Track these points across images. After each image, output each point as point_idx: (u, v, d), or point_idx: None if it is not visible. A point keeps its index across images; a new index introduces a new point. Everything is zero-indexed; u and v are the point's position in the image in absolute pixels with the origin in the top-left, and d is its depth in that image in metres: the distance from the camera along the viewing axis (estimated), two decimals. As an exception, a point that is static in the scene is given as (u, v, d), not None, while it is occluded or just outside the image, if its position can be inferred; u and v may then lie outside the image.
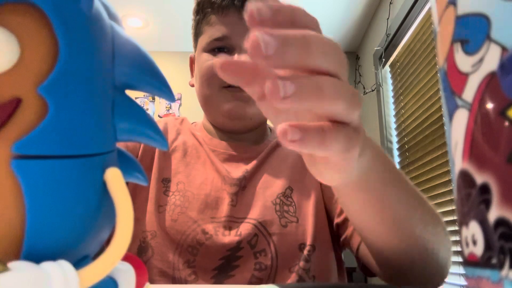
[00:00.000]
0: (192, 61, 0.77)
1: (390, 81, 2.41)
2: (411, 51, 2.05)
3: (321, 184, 0.66)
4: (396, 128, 2.29)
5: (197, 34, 0.72)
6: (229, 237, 0.59)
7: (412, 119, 2.01)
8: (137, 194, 0.64)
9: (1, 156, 0.13)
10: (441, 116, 1.70)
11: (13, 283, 0.11)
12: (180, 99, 2.99)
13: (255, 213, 0.61)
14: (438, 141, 1.72)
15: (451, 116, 0.17)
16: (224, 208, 0.62)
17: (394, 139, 2.30)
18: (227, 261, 0.58)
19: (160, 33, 2.88)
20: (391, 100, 2.38)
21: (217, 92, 0.66)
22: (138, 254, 0.60)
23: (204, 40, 0.68)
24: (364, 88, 2.75)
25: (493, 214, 0.14)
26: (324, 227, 0.64)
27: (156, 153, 0.68)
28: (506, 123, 0.13)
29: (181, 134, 0.73)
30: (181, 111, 3.02)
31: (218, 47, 0.67)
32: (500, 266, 0.13)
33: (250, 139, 0.72)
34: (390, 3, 2.21)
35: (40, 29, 0.13)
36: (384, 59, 2.35)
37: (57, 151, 0.14)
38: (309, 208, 0.64)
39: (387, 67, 2.42)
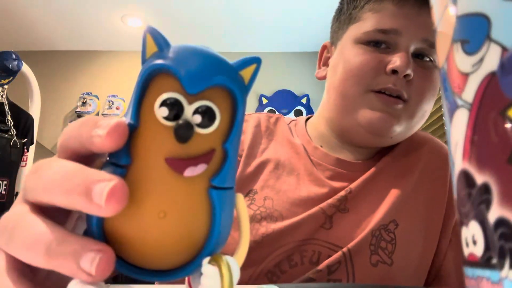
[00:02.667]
0: (324, 49, 0.65)
1: (390, 81, 2.40)
2: (411, 51, 2.05)
3: (443, 229, 0.55)
4: (397, 128, 2.29)
5: (349, 20, 0.58)
6: (315, 266, 0.50)
7: (413, 119, 2.00)
8: None
9: (202, 186, 0.19)
10: (441, 116, 1.70)
11: (212, 273, 0.19)
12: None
13: (349, 240, 0.51)
14: (439, 141, 1.72)
15: (451, 116, 0.17)
16: (316, 230, 0.52)
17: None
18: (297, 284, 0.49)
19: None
20: (392, 100, 2.38)
21: (363, 93, 0.54)
22: None
23: (361, 28, 0.55)
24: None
25: (493, 214, 0.14)
26: (422, 279, 0.54)
27: (242, 160, 0.57)
28: (506, 123, 0.13)
29: (273, 140, 0.61)
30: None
31: (376, 41, 0.54)
32: (500, 267, 0.13)
33: (370, 154, 0.61)
34: (390, 3, 2.21)
35: (228, 105, 0.20)
36: (384, 59, 2.35)
37: (231, 184, 0.20)
38: (413, 254, 0.53)
39: (387, 67, 2.41)
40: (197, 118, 0.19)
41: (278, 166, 0.57)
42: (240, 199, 0.21)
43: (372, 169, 0.57)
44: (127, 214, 0.18)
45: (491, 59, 0.14)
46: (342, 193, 0.55)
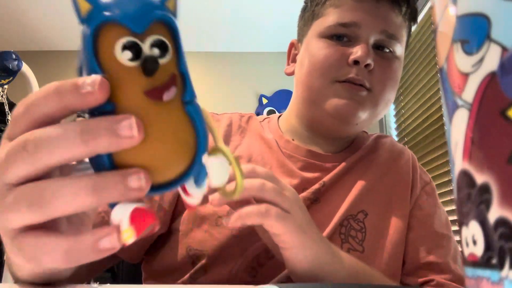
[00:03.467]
0: (292, 46, 0.68)
1: (390, 81, 2.41)
2: (411, 51, 2.05)
3: (411, 218, 0.59)
4: (396, 128, 2.29)
5: (312, 16, 0.62)
6: None
7: (412, 119, 2.01)
8: (182, 207, 0.55)
9: (178, 105, 0.23)
10: (441, 116, 1.70)
11: (219, 162, 0.24)
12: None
13: (321, 230, 0.53)
14: (438, 141, 1.72)
15: (451, 116, 0.17)
16: None
17: (394, 139, 2.31)
18: (278, 280, 0.51)
19: (160, 33, 2.87)
20: (391, 100, 2.38)
21: (329, 85, 0.56)
22: (183, 267, 0.53)
23: (324, 23, 0.58)
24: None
25: (493, 214, 0.14)
26: (397, 266, 0.57)
27: None
28: (506, 123, 0.13)
29: (246, 137, 0.63)
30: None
31: (338, 34, 0.57)
32: (500, 266, 0.13)
33: (338, 145, 0.64)
34: (390, 3, 2.21)
35: (168, 34, 0.23)
36: (384, 59, 2.35)
37: (195, 96, 0.24)
38: (383, 241, 0.56)
39: (387, 67, 2.42)
40: (155, 51, 0.21)
41: (251, 161, 0.59)
42: (203, 110, 0.24)
43: (343, 164, 0.60)
44: (132, 149, 0.21)
45: (491, 59, 0.14)
46: (316, 186, 0.57)
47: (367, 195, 0.58)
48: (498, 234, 0.13)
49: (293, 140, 0.64)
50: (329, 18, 0.58)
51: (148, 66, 0.21)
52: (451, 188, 1.61)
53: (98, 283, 0.37)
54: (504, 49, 0.13)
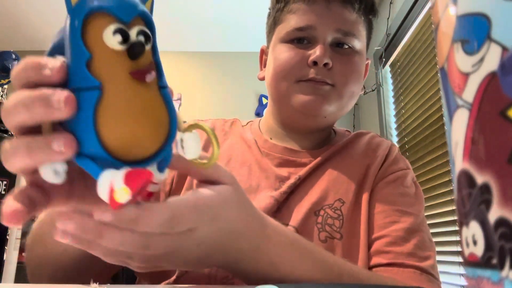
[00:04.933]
0: (263, 53, 0.72)
1: (390, 81, 2.40)
2: (411, 51, 2.05)
3: (370, 200, 0.60)
4: (397, 128, 2.29)
5: (275, 23, 0.66)
6: None
7: (413, 119, 2.01)
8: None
9: (155, 88, 0.26)
10: (442, 116, 1.70)
11: (194, 136, 0.28)
12: (180, 99, 2.99)
13: (295, 221, 0.56)
14: (439, 141, 1.72)
15: (451, 116, 0.17)
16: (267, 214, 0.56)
17: (395, 139, 2.30)
18: None
19: (160, 33, 2.87)
20: (391, 100, 2.38)
21: (293, 84, 0.60)
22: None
23: (283, 29, 0.63)
24: (364, 88, 2.74)
25: (494, 214, 0.14)
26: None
27: None
28: (507, 123, 0.13)
29: (228, 139, 0.67)
30: (180, 110, 3.03)
31: (298, 38, 0.61)
32: (500, 266, 0.13)
33: (315, 140, 0.67)
34: (390, 3, 2.21)
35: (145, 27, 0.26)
36: (384, 59, 2.35)
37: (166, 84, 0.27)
38: (358, 227, 0.57)
39: (387, 67, 2.42)
40: (141, 38, 0.25)
41: (230, 161, 0.63)
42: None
43: (318, 159, 0.62)
44: (118, 122, 0.24)
45: (491, 59, 0.14)
46: (292, 180, 0.59)
47: (343, 184, 0.60)
48: (498, 234, 0.13)
49: (271, 139, 0.67)
50: (288, 23, 0.62)
51: (135, 50, 0.24)
52: (451, 188, 1.61)
53: (98, 283, 0.37)
54: (504, 49, 0.13)
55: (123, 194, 0.23)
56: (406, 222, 0.56)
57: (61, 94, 0.23)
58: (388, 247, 0.54)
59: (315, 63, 0.58)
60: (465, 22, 0.15)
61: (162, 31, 2.95)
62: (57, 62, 0.24)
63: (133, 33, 0.24)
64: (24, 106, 0.24)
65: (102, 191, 0.24)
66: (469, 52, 0.15)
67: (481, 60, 0.14)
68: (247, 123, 0.72)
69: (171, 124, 0.26)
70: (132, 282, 0.76)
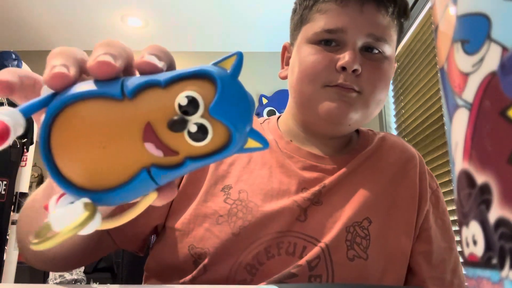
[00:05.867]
0: (285, 50, 0.69)
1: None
2: (411, 51, 2.05)
3: (420, 234, 0.60)
4: (397, 128, 2.29)
5: (301, 21, 0.62)
6: (293, 258, 0.53)
7: (413, 119, 2.01)
8: (183, 205, 0.56)
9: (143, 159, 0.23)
10: (442, 116, 1.70)
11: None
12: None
13: (325, 234, 0.54)
14: (439, 141, 1.72)
15: (451, 116, 0.17)
16: (292, 222, 0.54)
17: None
18: (281, 278, 0.52)
19: (160, 33, 2.88)
20: (392, 100, 2.38)
21: (319, 89, 0.57)
22: (184, 266, 0.54)
23: (311, 29, 0.59)
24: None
25: (494, 214, 0.14)
26: (400, 276, 0.57)
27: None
28: (507, 123, 0.13)
29: None
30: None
31: (326, 40, 0.58)
32: (500, 267, 0.13)
33: (337, 145, 0.64)
34: (390, 3, 2.21)
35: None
36: (384, 59, 2.35)
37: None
38: (389, 249, 0.56)
39: (387, 67, 2.42)
40: (194, 128, 0.23)
41: (250, 162, 0.60)
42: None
43: (344, 169, 0.60)
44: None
45: (492, 59, 0.14)
46: (317, 188, 0.57)
47: (372, 201, 0.58)
48: (499, 234, 0.13)
49: (291, 141, 0.64)
50: (316, 24, 0.59)
51: (177, 124, 0.23)
52: (451, 188, 1.61)
53: (97, 283, 0.37)
54: (504, 49, 0.13)
55: None
56: (450, 260, 0.60)
57: None
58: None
59: (343, 68, 0.56)
60: (465, 22, 0.15)
61: (163, 31, 2.96)
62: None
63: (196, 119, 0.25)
64: None
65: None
66: (469, 52, 0.15)
67: (481, 60, 0.14)
68: (263, 121, 0.69)
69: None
70: (132, 282, 0.76)
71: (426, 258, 0.59)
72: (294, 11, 0.65)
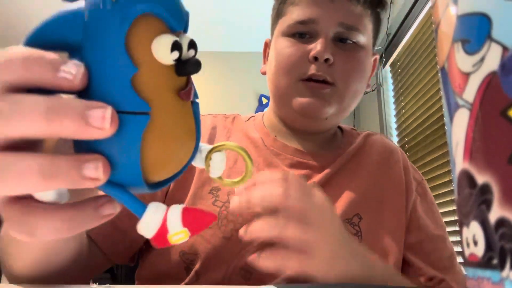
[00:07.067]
0: (266, 46, 0.69)
1: (390, 80, 2.40)
2: (411, 51, 2.05)
3: (410, 225, 0.59)
4: (397, 128, 2.29)
5: (278, 15, 0.63)
6: None
7: (413, 119, 2.01)
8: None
9: (190, 105, 0.23)
10: (442, 116, 1.70)
11: (219, 154, 0.25)
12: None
13: None
14: (439, 141, 1.72)
15: (452, 116, 0.16)
16: None
17: (395, 139, 2.30)
18: (278, 281, 0.50)
19: (161, 33, 2.87)
20: (392, 100, 2.38)
21: (294, 83, 0.57)
22: (176, 274, 0.53)
23: (285, 22, 0.60)
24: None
25: (494, 214, 0.14)
26: (396, 268, 0.56)
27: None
28: (507, 123, 0.13)
29: (231, 137, 0.63)
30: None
31: (300, 32, 0.58)
32: (501, 267, 0.13)
33: (319, 141, 0.64)
34: (391, 2, 2.21)
35: None
36: (384, 59, 2.35)
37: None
38: (380, 245, 0.56)
39: (387, 67, 2.42)
40: (191, 52, 0.21)
41: (237, 162, 0.59)
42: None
43: (333, 165, 0.60)
44: (164, 147, 0.21)
45: (492, 58, 0.14)
46: None
47: (360, 198, 0.58)
48: (499, 235, 0.13)
49: (275, 137, 0.64)
50: (290, 16, 0.59)
51: (188, 69, 0.20)
52: (451, 188, 1.61)
53: (97, 283, 0.37)
54: (505, 48, 0.13)
55: (182, 237, 0.21)
56: (445, 248, 0.59)
57: (105, 111, 0.18)
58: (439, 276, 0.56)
59: (316, 58, 0.56)
60: (466, 22, 0.15)
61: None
62: (80, 67, 0.19)
63: (184, 45, 0.21)
64: (45, 114, 0.18)
65: (148, 228, 0.21)
66: (469, 52, 0.15)
67: (482, 60, 0.14)
68: (248, 119, 0.69)
69: (197, 141, 0.24)
70: (131, 282, 0.76)
71: (419, 247, 0.58)
72: (273, 7, 0.66)
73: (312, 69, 0.56)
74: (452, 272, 0.57)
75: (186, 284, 0.51)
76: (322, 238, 0.38)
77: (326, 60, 0.56)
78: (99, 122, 0.18)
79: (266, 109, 0.71)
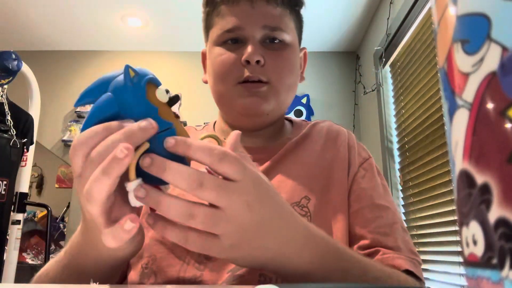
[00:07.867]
0: (204, 56, 0.73)
1: (390, 81, 2.41)
2: (411, 51, 2.05)
3: (351, 194, 0.61)
4: (397, 128, 2.29)
5: (207, 27, 0.68)
6: None
7: (413, 119, 2.01)
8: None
9: (178, 120, 0.39)
10: (442, 116, 1.70)
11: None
12: (180, 99, 2.98)
13: None
14: (439, 141, 1.72)
15: (451, 116, 0.17)
16: None
17: (395, 139, 2.30)
18: (233, 272, 0.52)
19: (160, 33, 2.88)
20: (391, 100, 2.38)
21: (232, 87, 0.62)
22: (141, 280, 0.55)
23: (215, 32, 0.65)
24: (364, 88, 2.74)
25: (494, 214, 0.14)
26: (344, 243, 0.58)
27: None
28: (507, 123, 0.13)
29: None
30: (180, 111, 3.03)
31: (230, 39, 0.63)
32: (500, 267, 0.13)
33: (266, 136, 0.68)
34: (391, 2, 2.21)
35: None
36: (384, 59, 2.35)
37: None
38: (328, 223, 0.58)
39: (387, 67, 2.42)
40: (170, 93, 0.37)
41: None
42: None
43: (278, 153, 0.64)
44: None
45: (492, 59, 0.14)
46: None
47: (307, 181, 0.61)
48: (498, 234, 0.13)
49: (224, 139, 0.65)
50: (217, 27, 0.64)
51: (175, 101, 0.37)
52: (451, 188, 1.61)
53: (97, 283, 0.37)
54: (504, 49, 0.13)
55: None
56: (388, 217, 0.59)
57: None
58: (377, 244, 0.56)
59: (248, 62, 0.60)
60: (465, 22, 0.15)
61: (163, 31, 2.95)
62: (148, 122, 0.35)
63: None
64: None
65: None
66: (469, 52, 0.15)
67: (481, 60, 0.14)
68: (203, 127, 0.75)
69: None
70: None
71: (360, 214, 0.59)
72: (202, 19, 0.70)
73: (247, 72, 0.61)
74: (393, 237, 0.57)
75: (141, 282, 0.54)
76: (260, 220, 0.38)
77: (258, 62, 0.60)
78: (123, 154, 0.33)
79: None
